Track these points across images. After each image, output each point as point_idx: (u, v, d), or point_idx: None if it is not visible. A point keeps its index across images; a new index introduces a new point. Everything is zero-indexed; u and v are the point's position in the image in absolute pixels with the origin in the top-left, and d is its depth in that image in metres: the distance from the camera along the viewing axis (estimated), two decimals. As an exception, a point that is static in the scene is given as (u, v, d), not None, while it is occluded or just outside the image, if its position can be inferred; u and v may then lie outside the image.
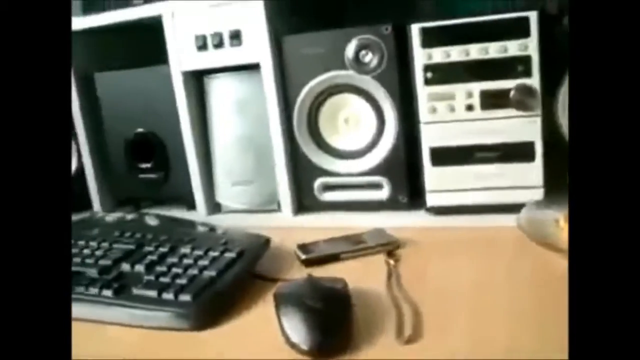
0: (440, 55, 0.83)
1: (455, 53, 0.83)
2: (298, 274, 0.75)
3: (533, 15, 0.80)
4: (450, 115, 0.85)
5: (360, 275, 0.73)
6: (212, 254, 0.76)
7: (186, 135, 1.00)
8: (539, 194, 0.84)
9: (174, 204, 1.08)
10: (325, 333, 0.57)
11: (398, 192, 0.92)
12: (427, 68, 0.84)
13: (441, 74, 0.84)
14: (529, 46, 0.81)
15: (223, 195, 1.02)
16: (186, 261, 0.75)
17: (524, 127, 0.83)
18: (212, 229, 0.87)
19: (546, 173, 0.85)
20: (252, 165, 0.98)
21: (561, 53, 0.83)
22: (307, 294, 0.62)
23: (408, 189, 0.92)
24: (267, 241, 0.82)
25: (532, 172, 0.84)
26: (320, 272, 0.74)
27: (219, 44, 0.94)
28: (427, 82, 0.84)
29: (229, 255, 0.76)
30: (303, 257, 0.80)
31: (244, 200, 1.00)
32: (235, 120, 0.98)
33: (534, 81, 0.81)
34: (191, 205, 1.05)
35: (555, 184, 0.85)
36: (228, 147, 0.99)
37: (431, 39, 0.83)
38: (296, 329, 0.58)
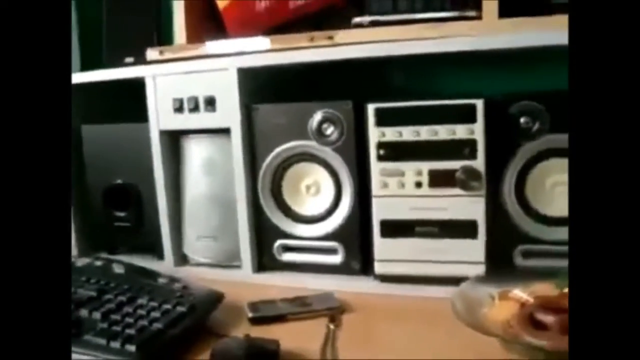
0: (392, 134, 0.89)
1: (407, 133, 0.89)
2: (244, 330, 0.79)
3: (479, 103, 0.86)
4: (400, 191, 0.90)
5: (300, 337, 0.78)
6: (166, 306, 0.81)
7: (159, 188, 1.06)
8: (480, 269, 0.89)
9: (146, 252, 1.14)
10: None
11: (351, 258, 0.97)
12: (380, 145, 0.90)
13: (393, 151, 0.90)
14: (475, 131, 0.87)
15: (190, 248, 1.08)
16: (140, 312, 0.80)
17: (468, 206, 0.88)
18: (173, 280, 0.91)
19: (489, 250, 0.90)
20: (218, 222, 1.04)
21: (507, 138, 0.89)
22: (238, 354, 0.67)
23: (361, 255, 0.97)
24: (220, 297, 0.87)
25: (475, 249, 0.89)
26: (264, 331, 0.79)
27: (194, 108, 1.00)
28: (380, 158, 0.90)
29: (180, 309, 0.81)
30: (250, 315, 0.84)
31: (208, 255, 1.06)
32: (205, 179, 1.04)
33: (479, 163, 0.87)
34: (161, 255, 1.10)
35: (497, 261, 0.91)
36: (197, 203, 1.05)
37: (385, 118, 0.90)
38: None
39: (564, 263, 0.87)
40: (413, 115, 0.89)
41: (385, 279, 0.94)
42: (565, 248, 0.89)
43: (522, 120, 0.88)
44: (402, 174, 0.90)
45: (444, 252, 0.90)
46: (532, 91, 0.90)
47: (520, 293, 0.78)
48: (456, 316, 0.75)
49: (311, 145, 0.96)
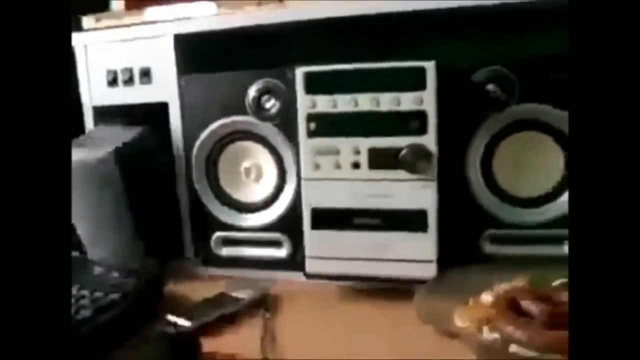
0: (326, 103, 0.74)
1: (343, 102, 0.73)
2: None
3: (430, 66, 0.70)
4: (334, 173, 0.74)
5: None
6: (97, 294, 0.72)
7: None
8: (431, 270, 0.72)
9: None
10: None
11: (298, 251, 0.82)
12: (311, 117, 0.75)
13: (326, 125, 0.74)
14: (425, 100, 0.70)
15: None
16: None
17: (417, 193, 0.72)
18: (111, 269, 0.80)
19: (454, 236, 0.74)
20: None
21: (470, 111, 0.73)
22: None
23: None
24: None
25: (424, 244, 0.72)
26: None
27: (129, 80, 0.89)
28: (310, 133, 0.75)
29: (113, 296, 0.71)
30: None
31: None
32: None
33: (429, 140, 0.71)
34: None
35: (463, 248, 0.75)
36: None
37: (317, 84, 0.74)
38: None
39: (535, 250, 0.73)
40: (350, 81, 0.73)
41: (318, 278, 0.78)
42: (537, 232, 0.74)
43: (488, 87, 0.72)
44: (337, 152, 0.74)
45: (386, 248, 0.74)
46: (499, 56, 0.73)
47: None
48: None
49: (249, 121, 0.82)
